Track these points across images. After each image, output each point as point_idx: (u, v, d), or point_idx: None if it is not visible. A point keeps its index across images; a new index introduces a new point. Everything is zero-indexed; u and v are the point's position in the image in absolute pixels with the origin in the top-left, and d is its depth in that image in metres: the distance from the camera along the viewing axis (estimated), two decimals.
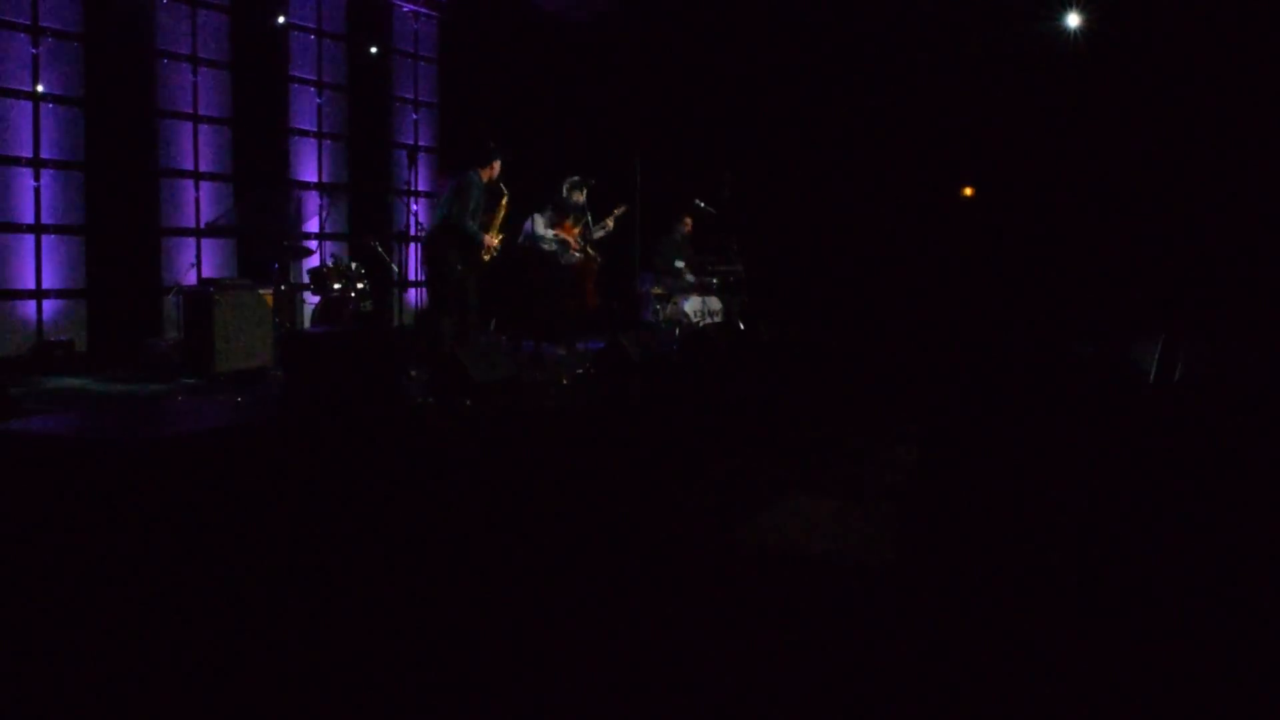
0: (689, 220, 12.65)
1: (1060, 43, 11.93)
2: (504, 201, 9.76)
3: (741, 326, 12.22)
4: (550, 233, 11.22)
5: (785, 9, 13.59)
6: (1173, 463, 6.24)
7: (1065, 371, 9.76)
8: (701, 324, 12.10)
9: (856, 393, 9.18)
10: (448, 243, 9.31)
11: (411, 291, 13.98)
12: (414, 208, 9.95)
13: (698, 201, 12.51)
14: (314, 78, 12.69)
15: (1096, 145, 12.51)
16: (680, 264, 12.54)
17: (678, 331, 11.86)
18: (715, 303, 12.56)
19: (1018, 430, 7.14)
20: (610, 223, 11.56)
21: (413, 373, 9.17)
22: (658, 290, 12.50)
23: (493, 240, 9.57)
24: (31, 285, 10.01)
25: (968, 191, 14.25)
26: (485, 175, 9.49)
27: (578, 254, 11.38)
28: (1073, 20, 11.77)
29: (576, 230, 11.43)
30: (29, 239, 9.99)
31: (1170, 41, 11.83)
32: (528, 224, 11.25)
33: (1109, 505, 5.24)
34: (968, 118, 13.34)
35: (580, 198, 11.41)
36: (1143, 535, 4.76)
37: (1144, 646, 3.50)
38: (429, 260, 9.54)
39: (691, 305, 12.32)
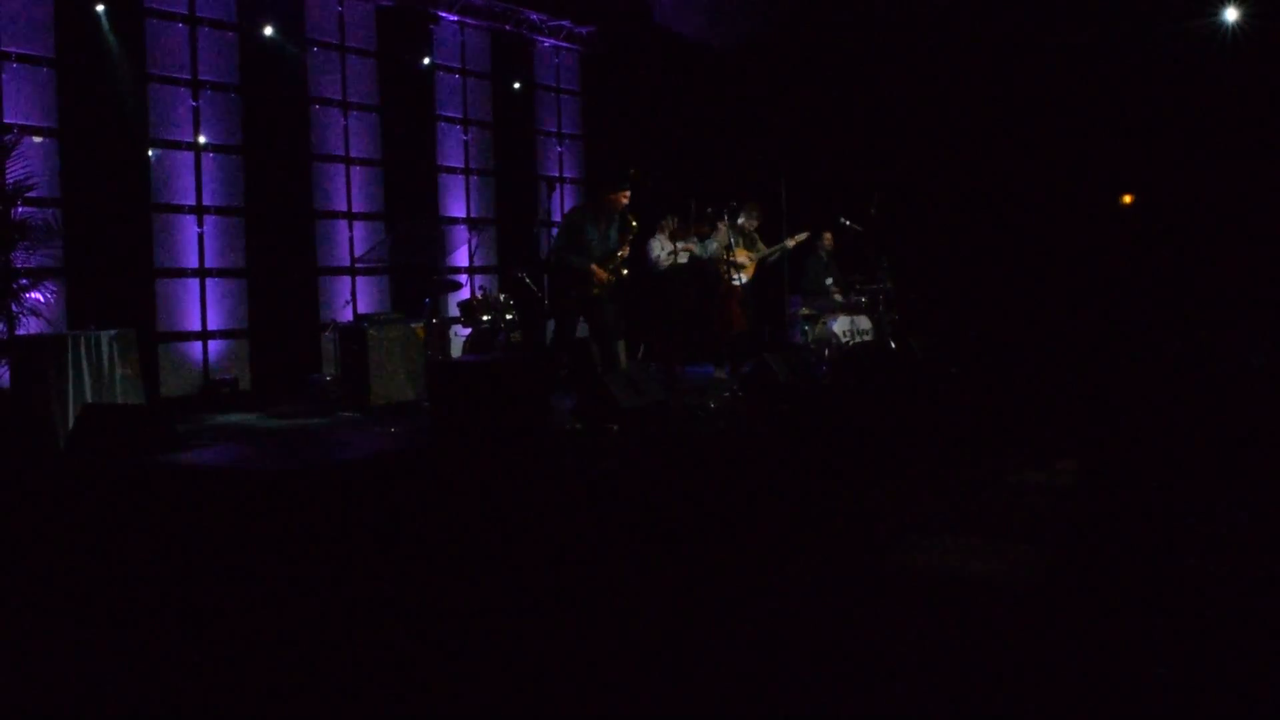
0: (829, 237, 12.44)
1: (1218, 39, 11.37)
2: (632, 232, 8.90)
3: (893, 345, 11.93)
4: (664, 252, 11.00)
5: (928, 20, 13.33)
6: None
7: (1230, 387, 9.26)
8: (851, 344, 11.86)
9: (1012, 411, 8.87)
10: (563, 277, 8.77)
11: None
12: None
13: (842, 220, 12.26)
14: (459, 116, 12.99)
15: (1261, 145, 11.88)
16: (829, 281, 12.34)
17: (827, 352, 11.65)
18: (864, 322, 12.27)
19: (1179, 451, 6.79)
20: (791, 243, 11.47)
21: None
22: (805, 311, 12.30)
23: (600, 274, 8.62)
24: (197, 327, 10.45)
25: (1127, 199, 13.70)
26: (607, 206, 8.72)
27: (745, 272, 11.33)
28: (1230, 15, 11.22)
29: (749, 253, 11.41)
30: (194, 283, 10.45)
31: None
32: (646, 247, 11.07)
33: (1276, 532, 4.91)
34: (1124, 122, 12.83)
35: (754, 222, 11.42)
36: None
37: None
38: (551, 294, 9.24)
39: (840, 325, 12.06)
